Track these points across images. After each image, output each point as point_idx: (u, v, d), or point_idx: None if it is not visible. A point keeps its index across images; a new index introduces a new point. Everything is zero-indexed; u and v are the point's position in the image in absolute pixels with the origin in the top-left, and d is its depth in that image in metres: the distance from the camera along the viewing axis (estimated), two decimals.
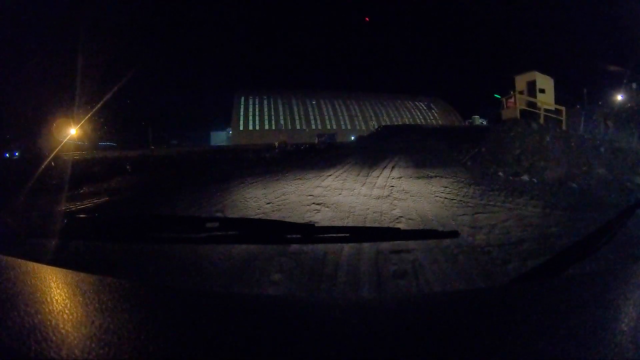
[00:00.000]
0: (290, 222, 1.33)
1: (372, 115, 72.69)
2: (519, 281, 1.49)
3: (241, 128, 69.86)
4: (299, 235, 1.45)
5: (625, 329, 0.78)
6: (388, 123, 56.05)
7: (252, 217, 5.26)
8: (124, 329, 0.78)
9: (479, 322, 0.90)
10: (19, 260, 1.22)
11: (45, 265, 1.19)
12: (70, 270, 1.13)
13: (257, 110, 72.42)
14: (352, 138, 47.52)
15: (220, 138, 70.34)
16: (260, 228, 1.56)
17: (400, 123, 55.27)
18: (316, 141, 48.51)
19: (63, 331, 0.76)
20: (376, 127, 44.54)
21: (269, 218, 4.97)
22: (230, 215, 5.33)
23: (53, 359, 0.65)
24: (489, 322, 0.91)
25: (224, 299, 1.12)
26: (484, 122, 49.90)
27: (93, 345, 0.71)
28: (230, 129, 70.83)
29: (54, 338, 0.73)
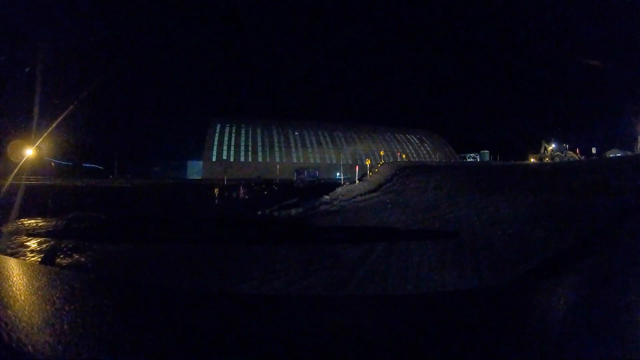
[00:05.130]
0: (291, 223, 1.61)
1: (361, 149, 65.82)
2: (519, 281, 1.78)
3: (214, 159, 61.57)
4: (299, 236, 1.65)
5: (625, 328, 0.82)
6: (378, 158, 48.99)
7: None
8: (123, 329, 0.80)
9: (479, 322, 0.93)
10: (19, 260, 1.28)
11: (44, 265, 1.24)
12: (70, 270, 1.26)
13: (232, 139, 64.61)
14: (338, 175, 39.99)
15: (196, 168, 61.86)
16: (260, 228, 1.79)
17: (392, 159, 47.91)
18: (294, 178, 41.07)
19: (63, 330, 0.76)
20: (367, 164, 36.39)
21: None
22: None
23: (53, 358, 0.66)
24: (489, 322, 0.93)
25: (224, 299, 1.15)
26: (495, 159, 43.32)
27: (93, 344, 0.71)
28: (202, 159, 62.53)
29: (53, 337, 0.73)
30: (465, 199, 9.77)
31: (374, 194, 12.42)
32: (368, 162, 18.47)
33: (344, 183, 14.92)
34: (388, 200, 10.70)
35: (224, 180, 37.34)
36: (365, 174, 17.47)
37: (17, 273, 1.12)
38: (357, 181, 14.81)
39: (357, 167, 15.99)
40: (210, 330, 0.83)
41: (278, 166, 52.21)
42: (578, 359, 0.69)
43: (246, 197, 19.99)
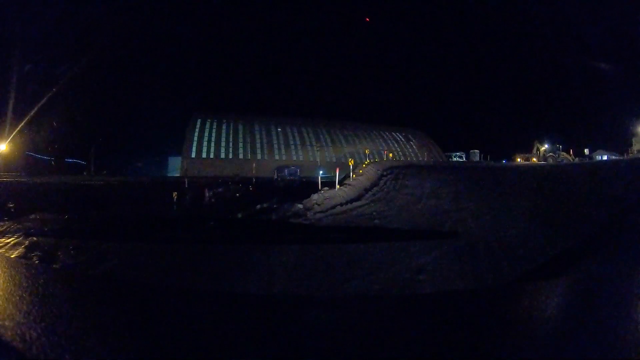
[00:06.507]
0: (291, 223, 1.69)
1: (345, 145, 63.93)
2: (519, 281, 1.81)
3: (193, 155, 58.97)
4: (299, 236, 1.73)
5: (625, 328, 0.80)
6: (363, 156, 47.13)
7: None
8: (124, 329, 0.78)
9: (479, 322, 0.91)
10: (19, 259, 1.30)
11: (44, 265, 1.26)
12: (70, 270, 1.27)
13: (213, 135, 62.34)
14: (321, 173, 38.43)
15: (178, 164, 59.18)
16: (261, 228, 1.77)
17: (378, 158, 45.84)
18: (275, 176, 39.83)
19: (62, 330, 0.75)
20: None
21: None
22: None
23: (53, 358, 0.64)
24: (489, 322, 0.92)
25: (224, 299, 1.12)
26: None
27: (93, 344, 0.70)
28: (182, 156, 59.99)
29: (53, 337, 0.71)
30: (473, 212, 7.68)
31: (357, 203, 10.04)
32: (351, 163, 16.03)
33: (321, 188, 12.50)
34: (375, 213, 8.42)
35: (203, 177, 35.65)
36: (348, 175, 15.11)
37: (16, 272, 1.04)
38: (338, 186, 12.42)
39: (337, 168, 13.52)
40: (207, 329, 0.81)
41: (254, 164, 49.96)
42: (577, 359, 0.69)
43: (212, 200, 17.67)
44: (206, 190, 17.31)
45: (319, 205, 9.70)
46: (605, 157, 45.85)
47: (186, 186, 20.12)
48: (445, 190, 10.31)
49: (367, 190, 11.89)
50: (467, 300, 1.13)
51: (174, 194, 16.02)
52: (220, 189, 19.26)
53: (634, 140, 39.73)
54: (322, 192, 11.65)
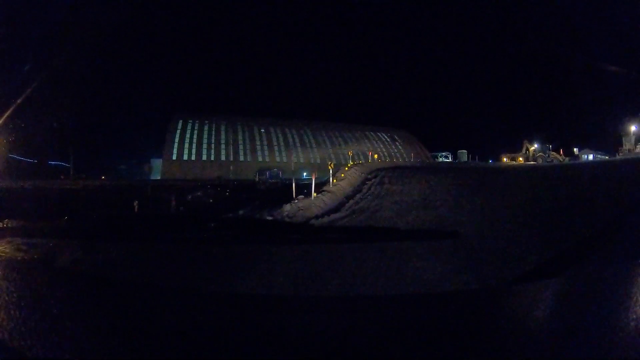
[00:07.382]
0: (290, 223, 1.72)
1: (329, 146, 62.71)
2: (519, 281, 1.66)
3: (174, 158, 57.14)
4: (298, 236, 1.63)
5: (625, 328, 0.79)
6: (347, 157, 45.76)
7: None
8: (123, 329, 0.75)
9: (479, 323, 0.90)
10: (19, 260, 1.22)
11: (45, 265, 1.19)
12: (71, 271, 1.15)
13: (194, 137, 60.46)
14: (305, 175, 37.19)
15: (160, 166, 57.74)
16: (260, 228, 1.70)
17: (363, 159, 44.49)
18: (256, 179, 38.92)
19: (62, 330, 0.73)
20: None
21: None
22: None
23: (52, 358, 0.64)
24: (488, 322, 0.91)
25: (224, 299, 1.10)
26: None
27: (93, 344, 0.68)
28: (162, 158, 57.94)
29: (53, 337, 0.70)
30: (473, 224, 6.32)
31: (335, 216, 8.47)
32: (331, 167, 14.26)
33: (296, 197, 10.88)
34: (357, 230, 6.95)
35: (181, 180, 34.06)
36: (329, 180, 13.53)
37: (17, 272, 1.01)
38: (314, 194, 10.78)
39: (313, 174, 11.76)
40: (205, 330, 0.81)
41: (236, 166, 48.45)
42: (577, 359, 0.69)
43: (180, 208, 15.95)
44: (173, 200, 15.54)
45: (290, 218, 8.13)
46: (591, 157, 45.71)
47: (149, 193, 18.31)
48: (439, 197, 8.95)
49: (348, 197, 10.34)
50: (466, 301, 1.09)
51: (135, 203, 14.18)
52: (189, 196, 17.60)
53: (624, 139, 39.47)
54: (297, 201, 10.07)
